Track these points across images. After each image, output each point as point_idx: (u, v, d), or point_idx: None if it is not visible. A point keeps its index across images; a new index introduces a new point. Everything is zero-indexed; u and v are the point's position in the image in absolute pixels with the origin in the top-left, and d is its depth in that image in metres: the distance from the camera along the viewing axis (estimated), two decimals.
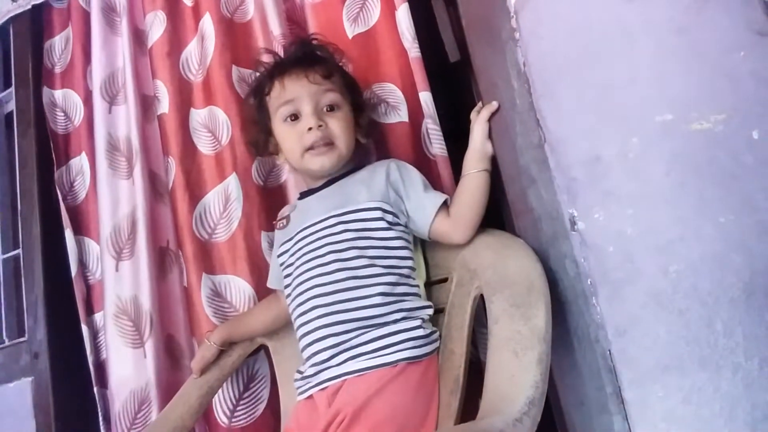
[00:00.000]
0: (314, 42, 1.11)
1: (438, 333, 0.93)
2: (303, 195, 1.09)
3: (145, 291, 1.28)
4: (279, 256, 1.04)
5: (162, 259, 1.34)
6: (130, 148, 1.38)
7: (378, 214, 0.95)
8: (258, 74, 1.12)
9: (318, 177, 1.05)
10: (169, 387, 1.23)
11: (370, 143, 1.15)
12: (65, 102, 1.54)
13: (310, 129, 0.99)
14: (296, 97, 1.00)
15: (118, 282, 1.30)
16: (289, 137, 1.02)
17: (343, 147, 1.01)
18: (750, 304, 0.76)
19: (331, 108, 1.01)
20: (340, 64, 1.10)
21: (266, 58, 1.12)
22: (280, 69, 1.04)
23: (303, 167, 1.03)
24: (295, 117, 1.01)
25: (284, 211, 1.12)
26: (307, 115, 1.00)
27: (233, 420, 1.17)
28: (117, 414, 1.23)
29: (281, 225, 1.08)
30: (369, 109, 1.12)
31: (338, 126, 1.00)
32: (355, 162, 1.07)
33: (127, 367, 1.25)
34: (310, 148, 0.99)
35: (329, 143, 1.00)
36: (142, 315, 1.26)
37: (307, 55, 1.06)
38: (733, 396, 0.75)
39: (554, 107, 0.89)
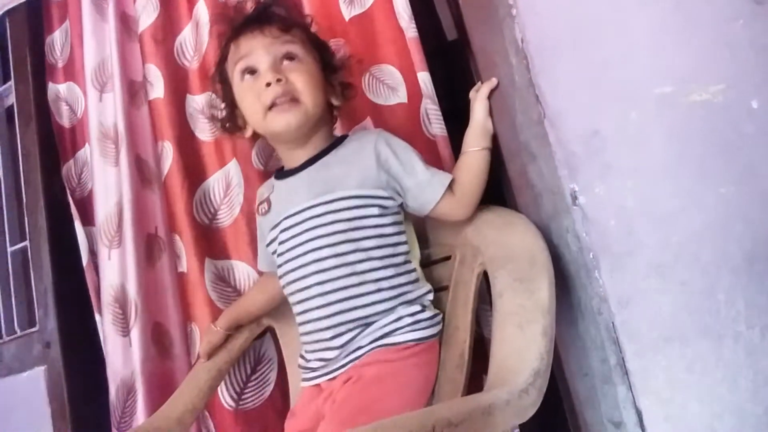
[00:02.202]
0: (273, 4, 0.99)
1: (441, 316, 0.92)
2: (282, 174, 0.99)
3: (131, 279, 1.28)
4: (268, 245, 0.98)
5: (150, 247, 1.34)
6: (117, 134, 1.38)
7: (371, 201, 0.90)
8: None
9: (289, 142, 0.96)
10: (156, 376, 1.24)
11: (368, 123, 1.15)
12: (69, 95, 1.54)
13: (268, 84, 0.89)
14: (251, 52, 0.92)
15: (111, 270, 1.30)
16: (247, 96, 0.93)
17: (308, 102, 0.91)
18: (751, 273, 0.76)
19: (291, 58, 0.92)
20: (307, 26, 1.01)
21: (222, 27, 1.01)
22: (235, 31, 0.95)
23: (267, 129, 0.94)
24: (252, 72, 0.92)
25: (262, 194, 1.03)
26: (264, 70, 0.90)
27: (241, 403, 1.18)
28: (113, 403, 1.25)
29: (263, 210, 1.00)
30: (342, 69, 1.02)
31: (300, 78, 0.91)
32: (334, 133, 1.02)
33: (117, 355, 1.26)
34: (272, 105, 0.90)
35: (293, 99, 0.90)
36: (128, 303, 1.26)
37: (262, 13, 0.95)
38: (735, 364, 0.76)
39: (553, 83, 0.89)
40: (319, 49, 0.99)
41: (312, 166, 0.95)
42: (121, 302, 1.27)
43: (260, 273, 1.20)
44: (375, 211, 0.90)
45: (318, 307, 0.89)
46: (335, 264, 0.88)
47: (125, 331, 1.26)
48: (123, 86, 1.39)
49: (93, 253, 1.40)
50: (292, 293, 0.94)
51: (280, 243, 0.94)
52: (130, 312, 1.26)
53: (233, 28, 0.97)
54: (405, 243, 0.94)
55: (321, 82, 0.95)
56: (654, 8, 0.83)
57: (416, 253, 0.98)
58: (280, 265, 0.95)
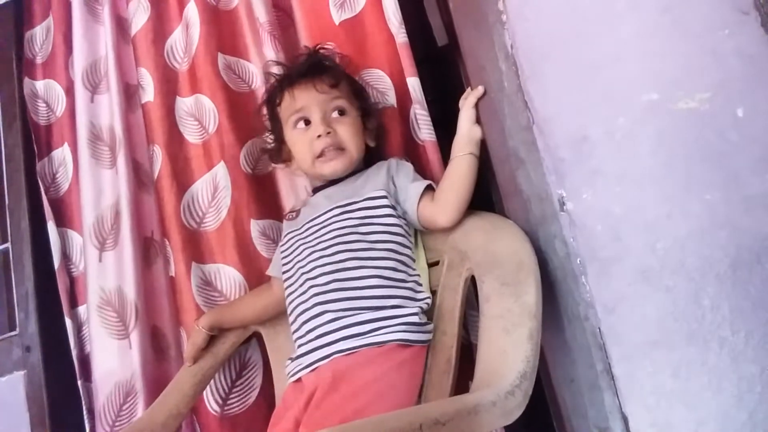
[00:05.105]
0: (321, 52, 1.13)
1: (432, 325, 0.93)
2: (314, 191, 1.11)
3: (129, 281, 1.27)
4: (283, 244, 1.07)
5: (147, 250, 1.33)
6: (113, 137, 1.37)
7: (383, 201, 0.99)
8: (268, 85, 1.16)
9: (330, 179, 1.08)
10: (155, 378, 1.23)
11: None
12: (47, 93, 1.52)
13: (319, 136, 1.02)
14: (305, 106, 1.05)
15: (102, 273, 1.28)
16: (299, 144, 1.06)
17: (353, 150, 1.05)
18: (736, 279, 0.77)
19: (340, 113, 1.05)
20: (346, 71, 1.13)
21: (275, 70, 1.17)
22: (289, 80, 1.08)
23: (315, 173, 1.07)
24: (306, 122, 1.05)
25: (295, 205, 1.16)
26: (315, 123, 1.04)
27: (226, 408, 1.17)
28: (101, 407, 1.22)
29: (290, 217, 1.12)
30: (376, 114, 1.14)
31: (346, 131, 1.04)
32: (364, 163, 1.10)
33: (111, 359, 1.24)
34: (321, 155, 1.03)
35: (340, 148, 1.04)
36: (126, 306, 1.25)
37: (314, 65, 1.09)
38: (721, 369, 0.76)
39: (541, 89, 0.89)
40: (359, 98, 1.11)
41: (338, 184, 1.07)
42: (116, 305, 1.26)
43: (247, 277, 1.19)
44: (386, 211, 0.99)
45: (314, 286, 0.93)
46: (339, 250, 0.95)
47: (122, 334, 1.24)
48: (120, 89, 1.38)
49: (66, 256, 1.38)
50: (293, 277, 0.98)
51: (296, 240, 1.02)
52: (129, 315, 1.25)
53: (288, 76, 1.10)
54: (410, 248, 0.99)
55: (361, 129, 1.08)
56: (642, 16, 0.84)
57: (423, 265, 1.01)
58: (287, 262, 1.02)
